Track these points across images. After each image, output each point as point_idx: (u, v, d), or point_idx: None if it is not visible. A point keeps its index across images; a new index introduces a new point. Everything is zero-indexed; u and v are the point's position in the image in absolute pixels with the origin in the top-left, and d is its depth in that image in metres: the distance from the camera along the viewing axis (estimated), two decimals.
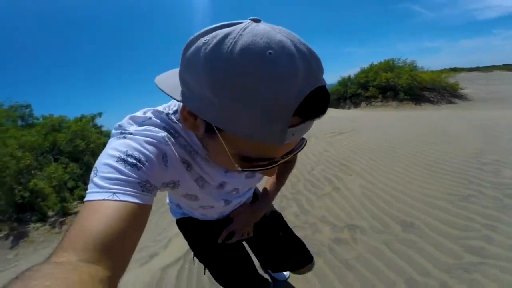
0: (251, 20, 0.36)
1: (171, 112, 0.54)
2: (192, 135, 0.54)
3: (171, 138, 0.51)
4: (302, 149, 0.45)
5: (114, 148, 0.44)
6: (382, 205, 2.07)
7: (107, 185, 0.40)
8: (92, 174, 0.42)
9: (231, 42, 0.32)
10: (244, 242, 0.96)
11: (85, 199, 0.40)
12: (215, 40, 0.33)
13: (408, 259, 1.42)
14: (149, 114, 0.53)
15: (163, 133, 0.50)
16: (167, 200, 0.88)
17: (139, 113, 0.53)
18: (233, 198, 0.74)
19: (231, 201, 0.74)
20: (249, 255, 0.95)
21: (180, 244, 1.86)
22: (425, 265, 1.36)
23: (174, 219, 0.89)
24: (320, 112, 0.36)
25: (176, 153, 0.52)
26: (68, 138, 7.92)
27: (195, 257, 0.90)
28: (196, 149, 0.55)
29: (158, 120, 0.52)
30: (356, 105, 12.40)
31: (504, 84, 14.39)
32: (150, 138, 0.48)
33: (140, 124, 0.51)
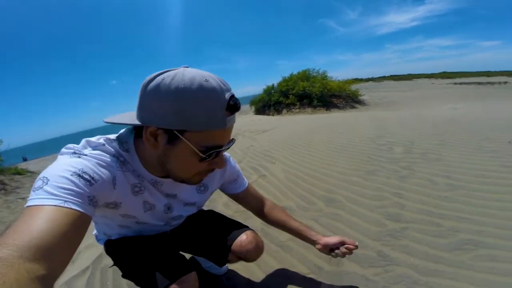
0: (184, 66, 0.55)
1: (123, 141, 0.63)
2: (137, 163, 0.63)
3: (122, 165, 0.62)
4: (233, 143, 0.62)
5: (70, 164, 0.51)
6: (304, 185, 2.16)
7: (60, 193, 0.45)
8: (39, 182, 0.46)
9: (181, 76, 0.50)
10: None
11: (33, 203, 0.43)
12: (170, 77, 0.51)
13: (339, 232, 1.45)
14: (102, 141, 0.61)
15: (116, 160, 0.60)
16: (94, 232, 0.92)
17: (94, 139, 0.61)
18: (174, 221, 0.84)
19: (171, 223, 0.84)
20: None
21: (89, 255, 1.54)
22: (356, 236, 1.40)
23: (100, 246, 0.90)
24: (237, 108, 0.55)
25: (126, 178, 0.62)
26: None
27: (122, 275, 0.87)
28: (142, 174, 0.65)
29: (110, 148, 0.60)
30: (279, 112, 13.33)
31: (391, 91, 17.98)
32: (104, 162, 0.57)
33: (94, 148, 0.59)
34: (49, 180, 0.46)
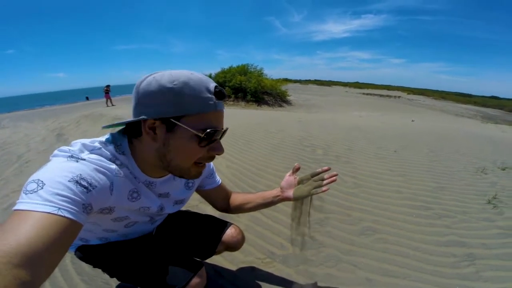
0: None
1: (118, 144, 0.64)
2: (133, 165, 0.65)
3: (120, 170, 0.62)
4: (227, 131, 0.68)
5: (67, 169, 0.50)
6: (248, 180, 2.41)
7: (55, 200, 0.44)
8: (33, 185, 0.45)
9: (170, 73, 0.57)
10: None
11: (25, 207, 0.42)
12: (159, 75, 0.57)
13: (280, 221, 1.74)
14: (97, 144, 0.61)
15: (114, 165, 0.60)
16: None
17: (87, 141, 0.61)
18: (158, 217, 0.86)
19: (155, 219, 0.85)
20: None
21: None
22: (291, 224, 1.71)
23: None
24: (223, 94, 0.61)
25: (123, 183, 0.64)
26: None
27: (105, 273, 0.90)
28: (137, 176, 0.68)
29: (106, 152, 0.61)
30: None
31: (314, 95, 20.19)
32: (102, 168, 0.57)
33: (91, 151, 0.59)
34: (44, 184, 0.45)
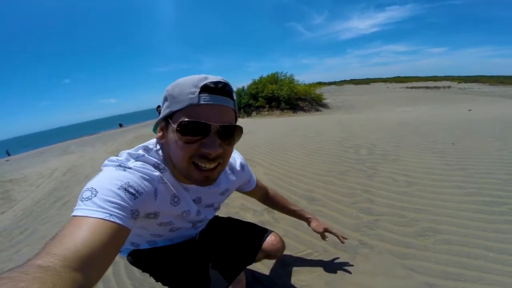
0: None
1: (157, 148, 0.67)
2: (171, 169, 0.67)
3: (163, 176, 0.65)
4: (239, 132, 0.64)
5: (116, 177, 0.55)
6: (287, 186, 2.35)
7: (107, 206, 0.48)
8: (88, 193, 0.50)
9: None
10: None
11: (81, 213, 0.46)
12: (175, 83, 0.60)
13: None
14: (141, 152, 0.65)
15: (157, 172, 0.64)
16: None
17: (133, 150, 0.66)
18: (200, 223, 0.89)
19: (197, 225, 0.88)
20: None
21: None
22: (339, 228, 1.59)
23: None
24: (216, 88, 0.57)
25: (166, 189, 0.66)
26: None
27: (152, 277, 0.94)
28: (176, 181, 0.69)
29: (150, 157, 0.65)
30: (248, 114, 13.54)
31: (352, 95, 19.34)
32: (147, 175, 0.60)
33: (136, 159, 0.63)
34: (97, 192, 0.50)
